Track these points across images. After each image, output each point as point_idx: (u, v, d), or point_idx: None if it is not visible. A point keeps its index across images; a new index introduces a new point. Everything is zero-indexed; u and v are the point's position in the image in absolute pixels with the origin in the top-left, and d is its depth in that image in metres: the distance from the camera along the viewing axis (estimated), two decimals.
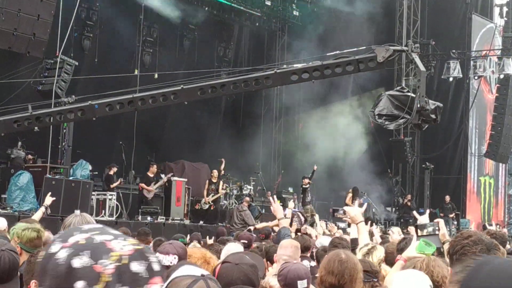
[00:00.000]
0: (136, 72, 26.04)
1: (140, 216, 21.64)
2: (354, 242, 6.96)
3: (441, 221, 6.37)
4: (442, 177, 32.46)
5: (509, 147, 33.14)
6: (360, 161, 29.83)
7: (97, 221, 16.19)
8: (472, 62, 32.71)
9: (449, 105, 33.06)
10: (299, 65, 17.65)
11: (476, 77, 32.81)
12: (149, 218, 21.40)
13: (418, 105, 16.34)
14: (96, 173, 23.61)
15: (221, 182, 25.16)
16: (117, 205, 21.41)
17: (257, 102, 32.13)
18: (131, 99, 17.12)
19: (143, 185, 22.92)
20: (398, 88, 18.08)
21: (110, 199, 21.22)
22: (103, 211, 20.93)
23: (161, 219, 21.95)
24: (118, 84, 25.90)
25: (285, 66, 19.76)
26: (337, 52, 17.98)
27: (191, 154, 29.45)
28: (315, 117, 31.15)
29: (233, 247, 6.43)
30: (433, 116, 16.94)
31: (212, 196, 24.73)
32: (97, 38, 27.09)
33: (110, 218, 20.29)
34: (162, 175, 26.15)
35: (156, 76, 28.00)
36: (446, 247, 5.98)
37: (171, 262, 4.96)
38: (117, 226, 15.64)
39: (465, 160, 33.57)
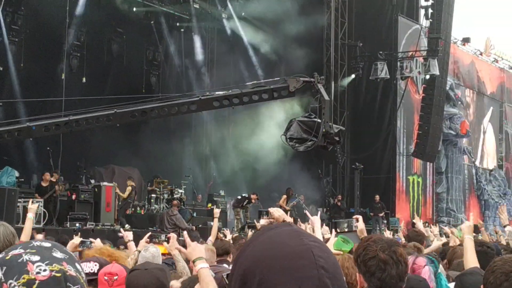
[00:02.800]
0: (63, 76, 25.70)
1: (68, 223, 21.32)
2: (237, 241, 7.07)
3: (359, 217, 6.39)
4: (372, 177, 32.83)
5: (436, 146, 33.76)
6: (291, 162, 29.95)
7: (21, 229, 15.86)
8: (399, 63, 33.19)
9: (377, 106, 33.54)
10: (220, 93, 19.65)
11: (403, 78, 33.33)
12: (77, 224, 21.10)
13: (324, 130, 18.40)
14: (23, 180, 23.14)
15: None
16: (44, 212, 21.03)
17: None
18: (67, 121, 18.10)
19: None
20: (306, 114, 19.70)
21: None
22: None
23: (90, 225, 21.65)
24: (45, 88, 25.57)
25: (207, 93, 21.91)
26: (255, 82, 20.66)
27: (121, 158, 29.16)
28: (245, 118, 31.15)
29: (151, 251, 6.41)
30: (336, 138, 19.24)
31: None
32: (23, 42, 26.65)
33: (37, 225, 19.89)
34: (92, 181, 25.86)
35: (84, 80, 27.76)
36: None
37: (91, 269, 4.91)
38: (44, 233, 15.40)
39: (393, 160, 34.03)
